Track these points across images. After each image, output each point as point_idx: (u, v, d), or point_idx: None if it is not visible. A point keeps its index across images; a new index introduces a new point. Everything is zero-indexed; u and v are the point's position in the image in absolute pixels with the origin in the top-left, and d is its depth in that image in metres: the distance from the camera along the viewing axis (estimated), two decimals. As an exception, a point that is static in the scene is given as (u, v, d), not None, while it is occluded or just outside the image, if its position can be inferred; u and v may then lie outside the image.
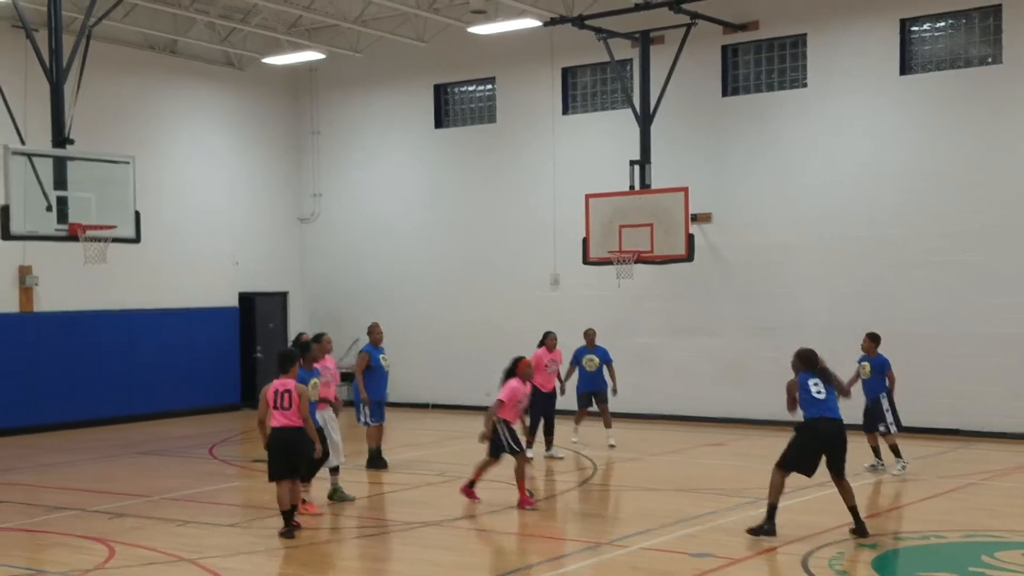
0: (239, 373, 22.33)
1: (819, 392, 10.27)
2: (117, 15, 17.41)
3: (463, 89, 22.50)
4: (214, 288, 22.27)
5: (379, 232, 23.12)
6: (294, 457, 10.57)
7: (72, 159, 13.90)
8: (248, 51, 22.22)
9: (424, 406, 22.25)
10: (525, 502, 11.70)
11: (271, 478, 10.66)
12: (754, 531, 10.18)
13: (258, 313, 23.29)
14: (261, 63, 22.46)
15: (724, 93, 19.44)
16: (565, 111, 21.09)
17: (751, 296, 19.09)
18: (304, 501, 11.31)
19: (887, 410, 13.80)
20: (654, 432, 18.42)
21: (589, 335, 16.41)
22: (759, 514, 10.42)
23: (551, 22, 18.93)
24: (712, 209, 19.22)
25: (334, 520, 11.62)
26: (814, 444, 10.25)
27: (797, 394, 10.33)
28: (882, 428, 13.80)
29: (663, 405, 19.72)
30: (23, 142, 13.92)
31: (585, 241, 18.76)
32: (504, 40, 20.46)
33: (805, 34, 18.71)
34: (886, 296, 17.80)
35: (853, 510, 10.28)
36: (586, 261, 18.89)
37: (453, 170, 22.36)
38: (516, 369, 12.06)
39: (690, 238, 17.91)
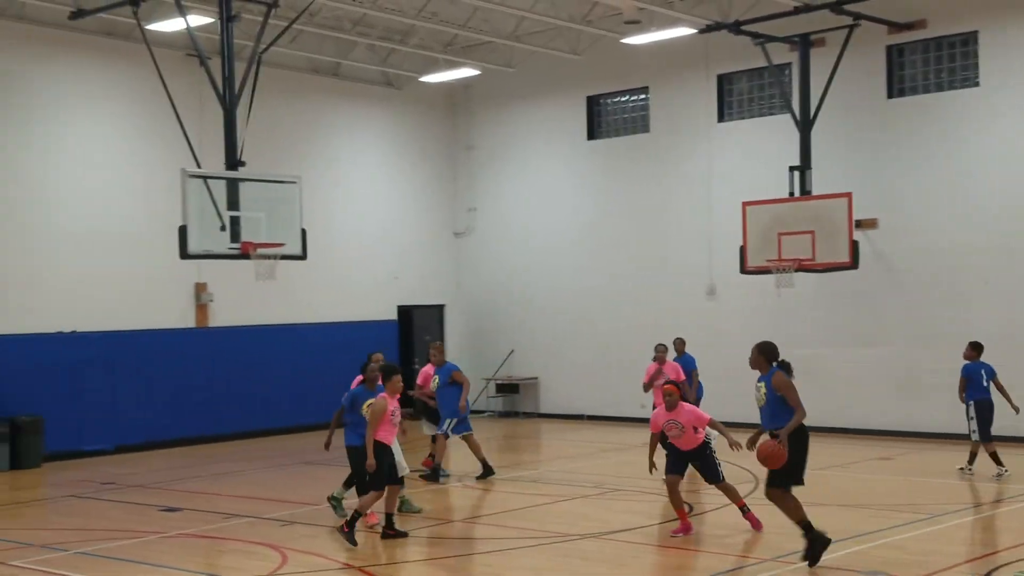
0: (400, 384, 22.82)
1: None
2: (284, 41, 18.10)
3: (616, 100, 22.47)
4: (374, 302, 22.88)
5: (532, 244, 23.29)
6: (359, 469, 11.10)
7: (243, 180, 14.49)
8: (406, 71, 22.78)
9: (579, 417, 22.26)
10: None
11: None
12: (809, 559, 9.43)
13: (416, 326, 23.79)
14: (418, 82, 22.98)
15: (890, 95, 18.82)
16: (721, 118, 20.81)
17: (921, 304, 18.37)
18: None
19: (971, 418, 14.02)
20: (817, 446, 17.82)
21: (677, 344, 16.31)
22: (933, 531, 10.00)
23: (706, 29, 18.72)
24: (878, 214, 18.60)
25: (494, 531, 11.73)
26: (804, 449, 9.63)
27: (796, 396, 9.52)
28: (974, 436, 14.09)
29: (826, 418, 19.06)
30: (199, 165, 14.61)
31: (742, 250, 18.44)
32: (658, 49, 20.34)
33: (976, 31, 17.93)
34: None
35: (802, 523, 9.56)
36: (743, 270, 18.56)
37: (606, 181, 22.35)
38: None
39: (854, 245, 17.39)
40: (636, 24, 18.77)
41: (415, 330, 23.73)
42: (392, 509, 11.13)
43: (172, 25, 17.12)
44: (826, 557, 9.64)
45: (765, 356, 9.81)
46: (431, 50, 21.78)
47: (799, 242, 17.71)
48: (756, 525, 11.01)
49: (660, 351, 15.20)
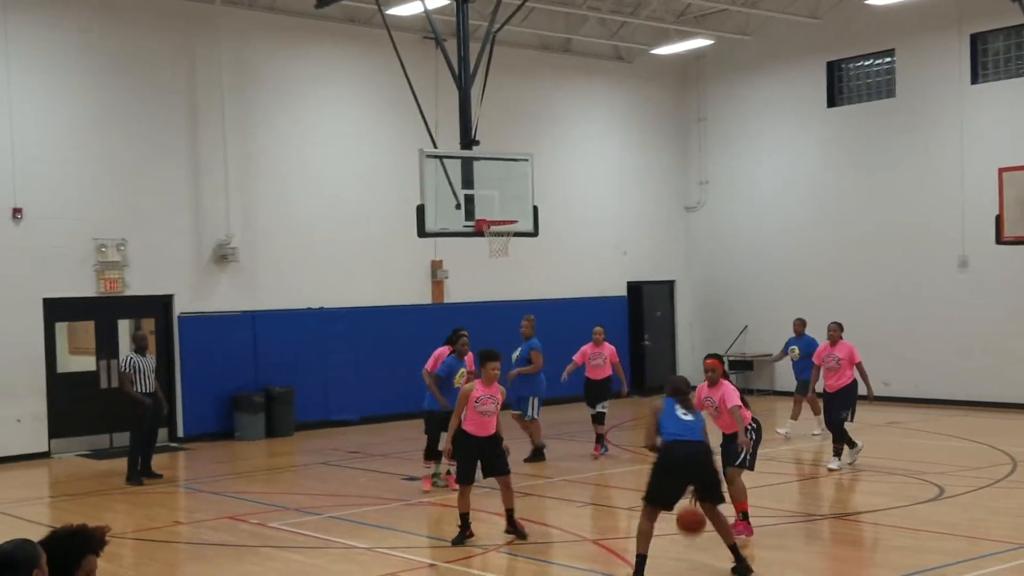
0: (628, 361, 22.72)
1: (684, 414, 8.85)
2: (517, 20, 18.27)
3: (858, 64, 21.45)
4: (605, 278, 22.89)
5: (767, 217, 22.63)
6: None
7: (478, 159, 14.74)
8: (637, 44, 22.56)
9: (818, 396, 21.46)
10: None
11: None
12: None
13: (645, 301, 23.64)
14: (648, 55, 22.72)
15: None
16: (974, 80, 19.49)
17: None
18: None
19: None
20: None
21: (796, 325, 16.39)
22: None
23: (957, -15, 17.55)
24: None
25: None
26: (673, 471, 8.70)
27: (658, 418, 8.89)
28: None
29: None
30: (435, 145, 15.00)
31: (998, 219, 17.19)
32: (904, 9, 19.26)
33: None
34: None
35: (732, 548, 8.83)
36: (999, 241, 17.33)
37: (847, 150, 21.40)
38: None
39: None
40: (880, -17, 17.81)
41: (645, 306, 23.58)
42: (510, 504, 10.37)
43: (410, 9, 17.65)
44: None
45: (671, 389, 9.13)
46: (663, 21, 21.46)
47: (1063, 210, 16.35)
48: (747, 532, 10.01)
49: (833, 329, 14.29)
